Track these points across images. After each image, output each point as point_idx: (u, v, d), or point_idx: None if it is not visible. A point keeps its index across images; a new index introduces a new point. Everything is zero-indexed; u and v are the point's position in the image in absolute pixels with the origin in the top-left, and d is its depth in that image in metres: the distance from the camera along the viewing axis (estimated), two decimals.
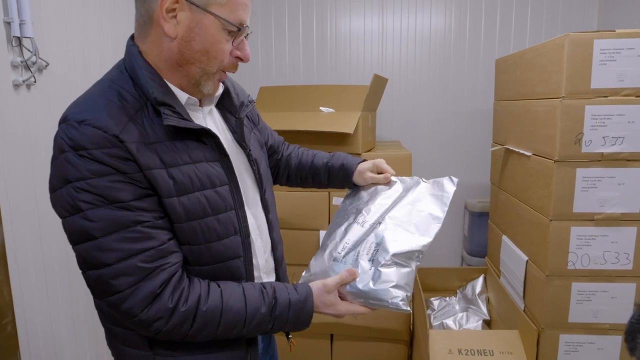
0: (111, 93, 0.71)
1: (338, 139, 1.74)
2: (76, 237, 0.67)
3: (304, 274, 0.96)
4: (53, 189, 0.68)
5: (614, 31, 1.14)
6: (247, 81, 2.46)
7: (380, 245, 0.88)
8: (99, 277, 0.68)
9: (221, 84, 0.86)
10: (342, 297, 0.87)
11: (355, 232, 0.94)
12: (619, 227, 1.22)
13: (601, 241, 1.23)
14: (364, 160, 1.09)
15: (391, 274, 0.85)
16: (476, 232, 2.33)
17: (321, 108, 1.79)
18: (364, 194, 1.06)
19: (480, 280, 1.90)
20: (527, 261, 1.41)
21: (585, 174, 1.20)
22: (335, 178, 1.10)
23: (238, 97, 0.90)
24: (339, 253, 0.91)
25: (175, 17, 0.71)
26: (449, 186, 0.98)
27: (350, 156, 1.11)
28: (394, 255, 0.86)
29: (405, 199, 0.98)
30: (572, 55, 1.15)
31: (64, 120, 0.69)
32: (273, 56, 2.48)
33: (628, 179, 1.19)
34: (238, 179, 0.81)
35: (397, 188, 1.03)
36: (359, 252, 0.89)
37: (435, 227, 0.91)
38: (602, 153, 1.18)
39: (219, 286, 0.76)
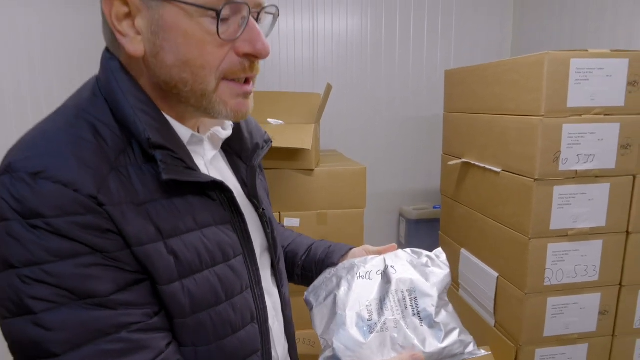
0: (81, 127, 0.46)
1: (290, 154, 1.55)
2: (22, 351, 0.43)
3: None
4: None
5: (587, 50, 1.15)
6: None
7: (416, 291, 0.71)
8: None
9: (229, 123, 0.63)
10: None
11: (366, 287, 0.73)
12: (588, 241, 1.25)
13: (573, 256, 1.26)
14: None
15: (446, 320, 0.69)
16: (414, 240, 2.33)
17: (269, 120, 1.59)
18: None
19: None
20: (497, 277, 1.40)
21: (561, 192, 1.21)
22: (316, 262, 0.81)
23: (252, 138, 0.67)
24: (369, 320, 0.69)
25: (133, 25, 0.47)
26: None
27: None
28: (439, 296, 0.71)
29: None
30: (552, 73, 1.14)
31: (5, 171, 0.43)
32: None
33: (596, 195, 1.23)
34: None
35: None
36: (392, 309, 0.71)
37: (443, 253, 0.80)
38: (577, 170, 1.20)
39: None
